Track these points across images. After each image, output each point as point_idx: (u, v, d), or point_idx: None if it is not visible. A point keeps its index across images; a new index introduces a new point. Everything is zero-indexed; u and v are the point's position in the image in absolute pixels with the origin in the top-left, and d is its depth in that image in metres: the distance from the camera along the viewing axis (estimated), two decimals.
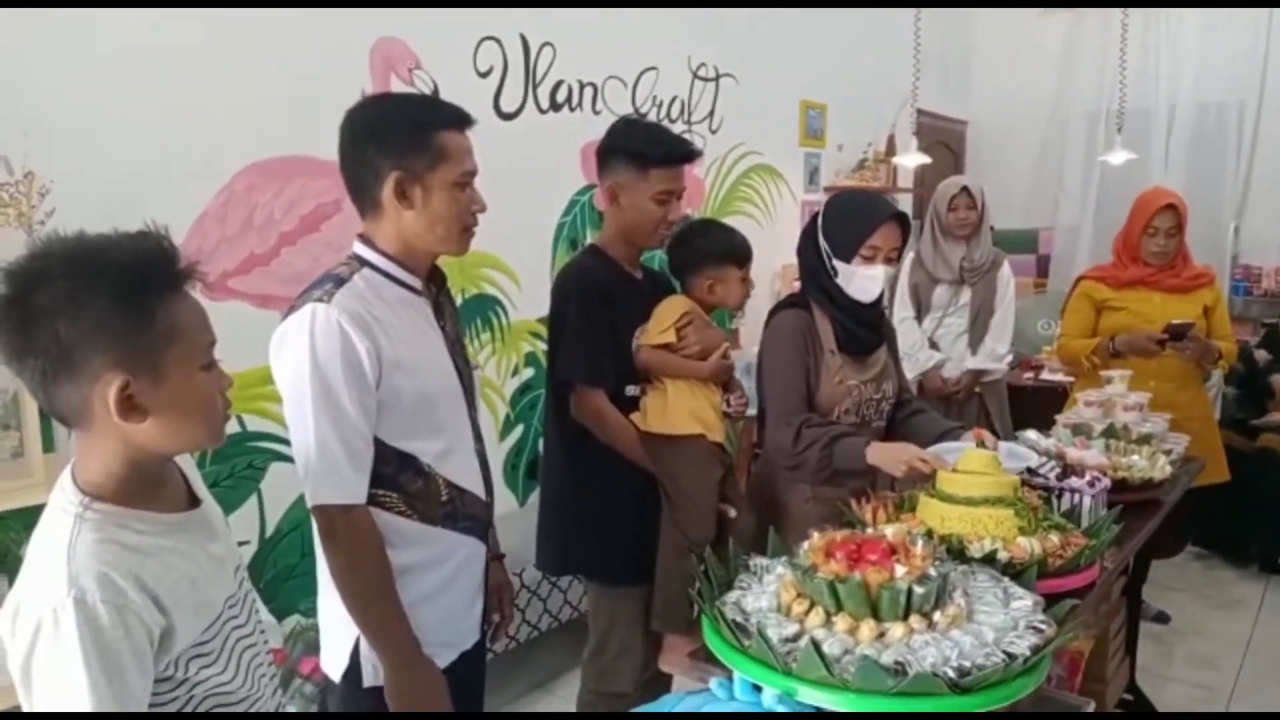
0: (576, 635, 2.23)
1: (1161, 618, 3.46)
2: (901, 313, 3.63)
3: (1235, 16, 5.44)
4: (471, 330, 2.91)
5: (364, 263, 1.40)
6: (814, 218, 2.06)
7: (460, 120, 1.39)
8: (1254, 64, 5.42)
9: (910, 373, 3.54)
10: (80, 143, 2.02)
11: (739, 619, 1.29)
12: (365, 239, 1.42)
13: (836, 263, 1.96)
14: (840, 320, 1.97)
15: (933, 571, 1.24)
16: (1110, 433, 2.33)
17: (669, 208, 1.91)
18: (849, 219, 1.97)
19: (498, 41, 2.93)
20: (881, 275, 1.95)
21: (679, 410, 1.87)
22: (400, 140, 1.34)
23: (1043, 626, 1.22)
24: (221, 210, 2.24)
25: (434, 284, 1.48)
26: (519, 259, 3.06)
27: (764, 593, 1.35)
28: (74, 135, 2.01)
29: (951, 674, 1.11)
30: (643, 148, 1.88)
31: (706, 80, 3.88)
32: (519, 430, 3.10)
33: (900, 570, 1.24)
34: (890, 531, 1.39)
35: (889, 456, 1.81)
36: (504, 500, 2.48)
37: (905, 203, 5.47)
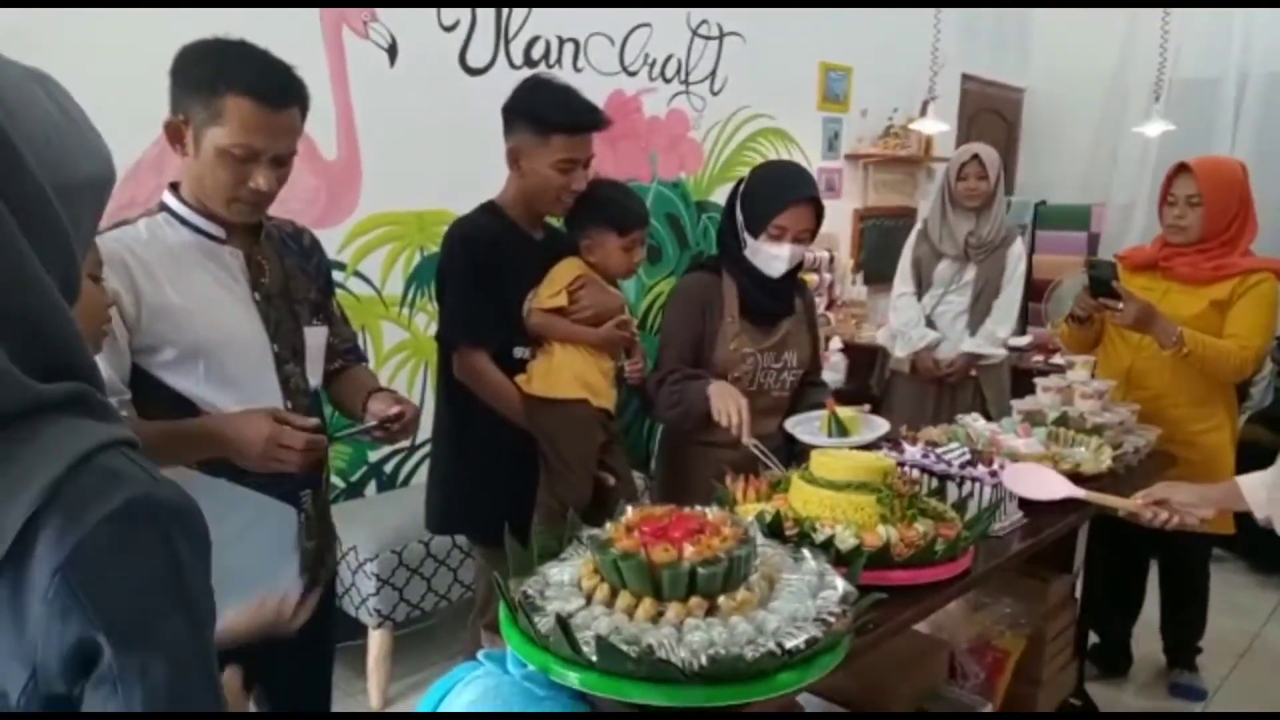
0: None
1: (1194, 693, 2.77)
2: (901, 288, 3.48)
3: None
4: (430, 289, 2.91)
5: (163, 206, 1.40)
6: (737, 184, 2.01)
7: (265, 94, 1.30)
8: None
9: (901, 351, 3.40)
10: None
11: (542, 590, 1.26)
12: (174, 184, 1.41)
13: (746, 235, 1.92)
14: (746, 287, 1.93)
15: (723, 555, 1.18)
16: (1061, 421, 2.19)
17: (571, 176, 1.84)
18: (762, 195, 1.97)
19: None
20: (787, 254, 1.95)
21: (563, 374, 1.83)
22: (188, 85, 1.31)
23: (830, 619, 1.14)
24: (158, 159, 2.27)
25: (255, 236, 1.46)
26: None
27: (570, 566, 1.31)
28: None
29: (703, 661, 1.05)
30: (545, 113, 1.81)
31: (708, 38, 3.75)
32: None
33: (689, 550, 1.18)
34: (712, 511, 1.32)
35: (721, 394, 1.84)
36: None
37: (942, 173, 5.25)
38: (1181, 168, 2.48)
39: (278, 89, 1.33)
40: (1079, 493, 1.81)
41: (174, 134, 1.35)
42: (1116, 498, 1.81)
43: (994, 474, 1.72)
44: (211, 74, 1.29)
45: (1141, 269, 2.57)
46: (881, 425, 1.90)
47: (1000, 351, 3.34)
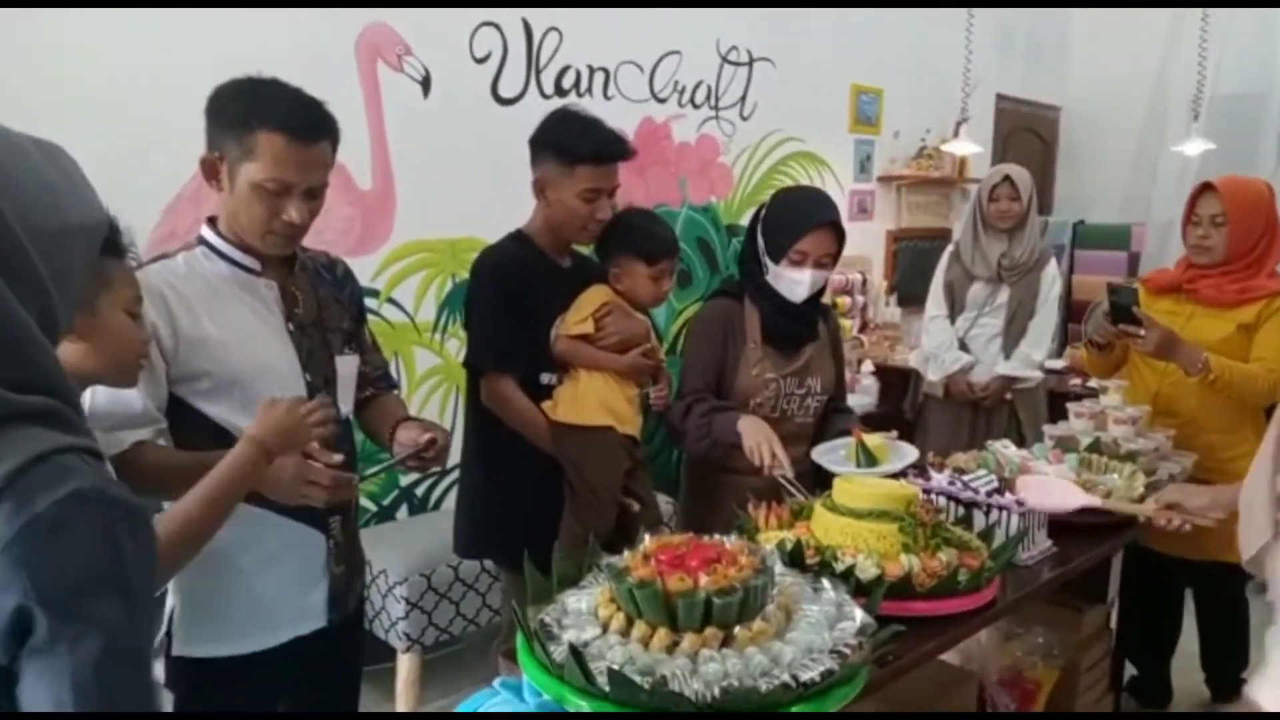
0: None
1: None
2: (934, 311, 3.45)
3: None
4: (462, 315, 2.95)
5: (201, 240, 1.44)
6: (758, 210, 2.02)
7: (296, 129, 1.34)
8: None
9: (934, 375, 3.37)
10: (57, 125, 2.15)
11: (560, 619, 1.27)
12: (211, 218, 1.45)
13: (768, 260, 1.93)
14: (768, 313, 1.93)
15: (738, 584, 1.18)
16: (1094, 447, 2.15)
17: (596, 205, 1.86)
18: (783, 220, 1.97)
19: (496, 27, 2.94)
20: (808, 279, 1.95)
21: (589, 400, 1.84)
22: (222, 122, 1.36)
23: (847, 651, 1.14)
24: (196, 194, 2.34)
25: (289, 268, 1.50)
26: None
27: (588, 594, 1.32)
28: (50, 117, 2.14)
29: (716, 694, 1.05)
30: (569, 143, 1.83)
31: (738, 65, 3.78)
32: None
33: (704, 580, 1.18)
34: (731, 540, 1.33)
35: (753, 430, 1.82)
36: None
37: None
38: (1206, 187, 2.42)
39: (309, 124, 1.37)
40: (1093, 500, 1.77)
41: (210, 170, 1.39)
42: (1131, 504, 1.78)
43: (1021, 502, 1.70)
44: (244, 111, 1.34)
45: (1166, 292, 2.50)
46: (910, 453, 1.87)
47: (1036, 374, 3.29)
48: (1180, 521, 1.73)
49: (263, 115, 1.33)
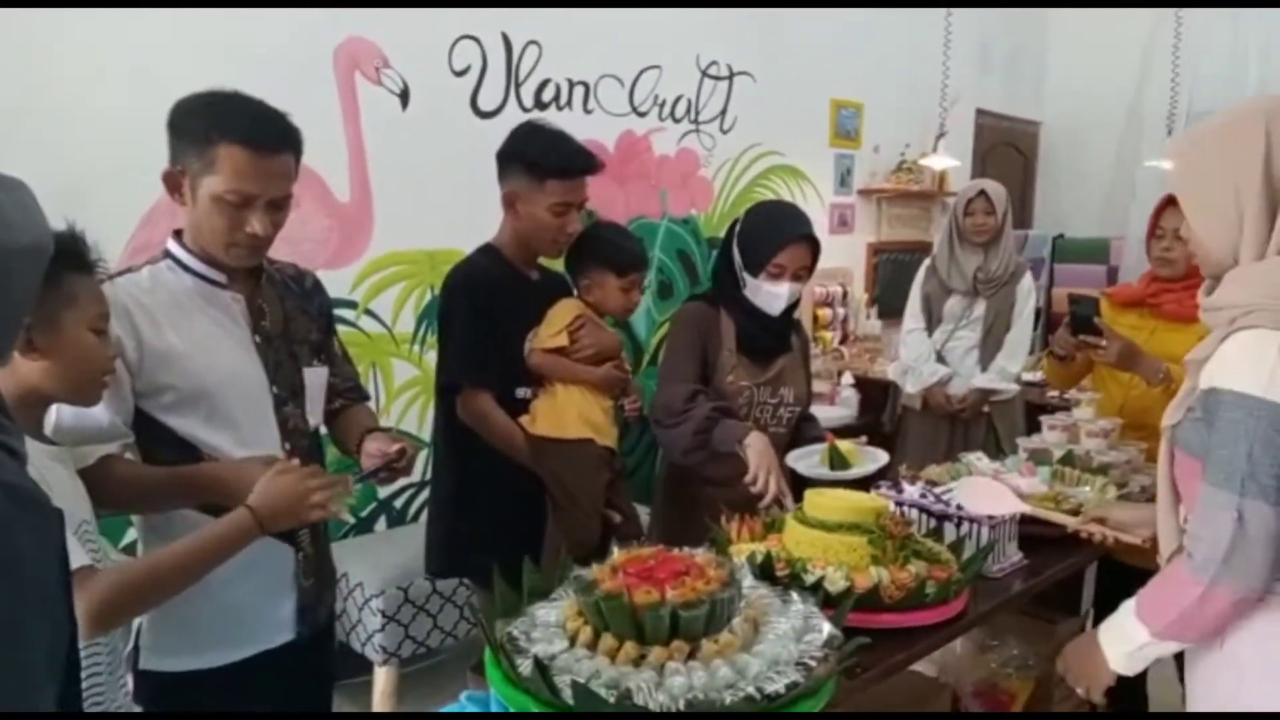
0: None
1: None
2: (911, 324, 3.47)
3: None
4: None
5: (167, 254, 1.44)
6: (733, 224, 2.04)
7: (257, 141, 1.34)
8: None
9: (912, 387, 3.39)
10: (34, 136, 2.14)
11: (528, 631, 1.27)
12: (178, 231, 1.45)
13: (745, 274, 1.94)
14: (743, 324, 1.96)
15: (705, 597, 1.18)
16: (1067, 459, 2.17)
17: (566, 219, 1.86)
18: (760, 234, 1.98)
19: (476, 40, 2.95)
20: (785, 292, 1.96)
21: (567, 413, 1.84)
22: (184, 136, 1.35)
23: (812, 663, 1.14)
24: (173, 205, 2.32)
25: (256, 280, 1.50)
26: None
27: (557, 607, 1.31)
28: (28, 129, 2.14)
29: (680, 706, 1.05)
30: (538, 158, 1.83)
31: (718, 79, 3.80)
32: None
33: (671, 593, 1.18)
34: (701, 553, 1.33)
35: (760, 455, 1.80)
36: None
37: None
38: (1170, 201, 2.41)
39: (270, 136, 1.36)
40: (1024, 507, 1.78)
41: (172, 184, 1.39)
42: (1059, 514, 1.79)
43: (991, 515, 1.71)
44: (205, 125, 1.33)
45: (1129, 306, 2.51)
46: (881, 456, 1.90)
47: (1012, 387, 3.31)
48: (1103, 535, 1.73)
49: (223, 128, 1.33)
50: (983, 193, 3.26)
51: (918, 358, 3.38)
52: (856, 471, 1.85)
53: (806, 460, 1.91)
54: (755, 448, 1.81)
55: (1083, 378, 2.60)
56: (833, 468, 1.88)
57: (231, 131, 1.32)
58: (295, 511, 1.27)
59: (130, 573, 1.20)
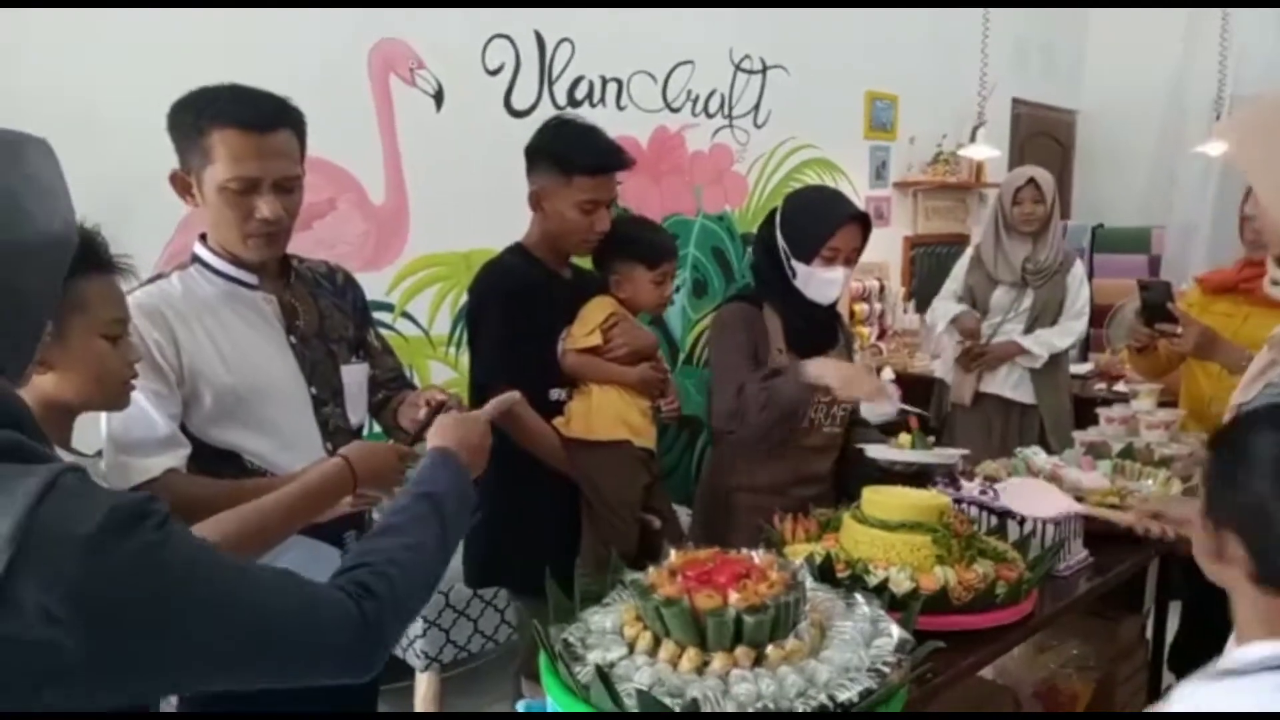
0: None
1: None
2: (942, 306, 3.40)
3: None
4: None
5: (195, 258, 1.41)
6: (770, 215, 1.98)
7: (247, 120, 1.28)
8: None
9: (941, 325, 3.32)
10: (71, 142, 2.13)
11: (584, 638, 1.23)
12: (204, 234, 1.43)
13: (795, 263, 1.87)
14: (790, 320, 1.89)
15: (770, 601, 1.13)
16: (1127, 453, 2.09)
17: (595, 217, 1.81)
18: (809, 219, 1.90)
19: (509, 39, 2.92)
20: (841, 277, 1.89)
21: (604, 415, 1.79)
22: (180, 134, 1.32)
23: (885, 670, 1.09)
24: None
25: (286, 279, 1.47)
26: None
27: (612, 612, 1.27)
28: (65, 134, 2.13)
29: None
30: (567, 154, 1.78)
31: (751, 73, 3.75)
32: None
33: (734, 597, 1.14)
34: (759, 554, 1.28)
35: (833, 370, 1.75)
36: None
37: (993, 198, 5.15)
38: None
39: (260, 113, 1.31)
40: (1077, 507, 1.71)
41: (181, 186, 1.36)
42: (1115, 512, 1.73)
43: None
44: (195, 115, 1.30)
45: (1222, 291, 2.39)
46: (955, 454, 1.88)
47: (1041, 354, 3.19)
48: (1161, 530, 1.66)
49: (212, 114, 1.29)
50: (1031, 180, 3.18)
51: (942, 315, 3.33)
52: (943, 452, 1.81)
53: (880, 448, 1.87)
54: (823, 368, 1.76)
55: (1172, 369, 2.45)
56: (915, 447, 1.84)
57: (220, 115, 1.28)
58: (386, 477, 1.27)
59: (229, 523, 1.15)
